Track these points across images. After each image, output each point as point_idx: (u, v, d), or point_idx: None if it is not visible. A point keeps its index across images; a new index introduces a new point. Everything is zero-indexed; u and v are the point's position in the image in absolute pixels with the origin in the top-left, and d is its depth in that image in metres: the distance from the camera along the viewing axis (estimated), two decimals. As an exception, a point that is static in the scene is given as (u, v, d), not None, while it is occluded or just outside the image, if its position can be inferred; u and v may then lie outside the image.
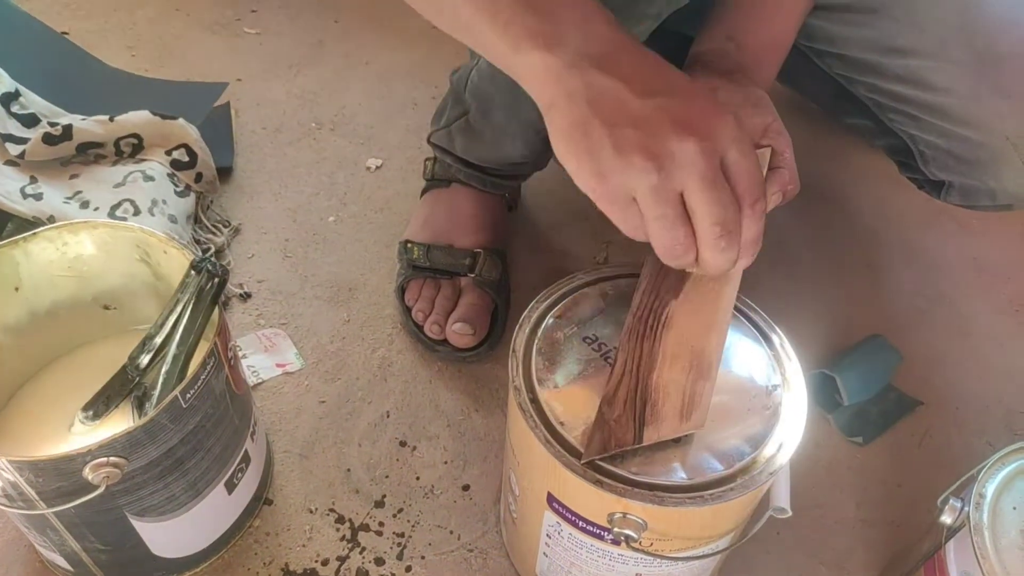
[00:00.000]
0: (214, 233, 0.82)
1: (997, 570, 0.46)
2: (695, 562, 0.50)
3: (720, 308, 0.47)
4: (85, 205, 0.74)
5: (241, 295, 0.79)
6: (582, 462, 0.44)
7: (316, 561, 0.62)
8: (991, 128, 0.59)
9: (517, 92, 0.42)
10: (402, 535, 0.64)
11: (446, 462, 0.68)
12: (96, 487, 0.47)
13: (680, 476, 0.44)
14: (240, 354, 0.74)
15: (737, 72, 0.55)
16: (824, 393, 0.73)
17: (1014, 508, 0.49)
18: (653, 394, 0.46)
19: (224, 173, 0.89)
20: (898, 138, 0.67)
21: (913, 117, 0.64)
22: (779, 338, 0.51)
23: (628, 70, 0.39)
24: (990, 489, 0.50)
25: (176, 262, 0.57)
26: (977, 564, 0.47)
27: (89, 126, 0.78)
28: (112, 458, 0.47)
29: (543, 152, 0.72)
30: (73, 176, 0.77)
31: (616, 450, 0.44)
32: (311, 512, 0.65)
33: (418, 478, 0.67)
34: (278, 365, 0.74)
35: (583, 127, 0.39)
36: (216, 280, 0.52)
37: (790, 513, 0.47)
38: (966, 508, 0.50)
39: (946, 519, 0.51)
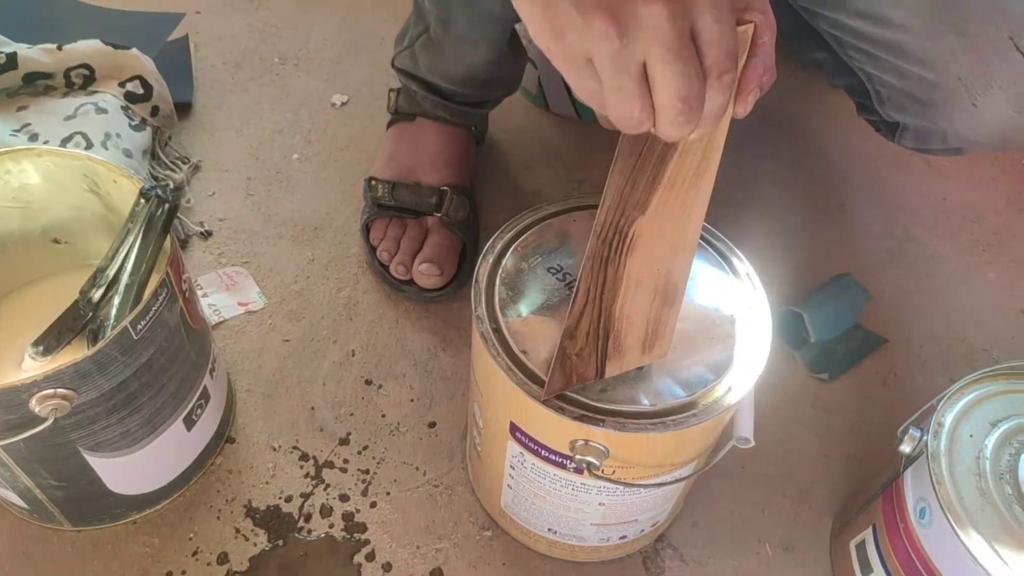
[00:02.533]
0: (172, 169, 0.80)
1: (951, 495, 0.47)
2: (658, 490, 0.50)
3: (689, 225, 0.44)
4: (34, 138, 0.71)
5: (202, 233, 0.77)
6: (543, 400, 0.43)
7: (280, 498, 0.61)
8: (945, 67, 0.59)
9: None
10: (367, 472, 0.63)
11: (412, 400, 0.68)
12: (44, 419, 0.45)
13: (642, 402, 0.44)
14: (201, 293, 0.72)
15: None
16: (791, 331, 0.73)
17: (971, 436, 0.50)
18: (616, 324, 0.45)
19: (183, 109, 0.86)
20: (856, 77, 0.67)
21: (871, 55, 0.63)
22: (744, 267, 0.51)
23: None
24: (948, 418, 0.50)
25: (127, 192, 0.54)
26: (933, 490, 0.47)
27: (35, 55, 0.74)
28: (60, 390, 0.45)
29: (510, 60, 0.70)
30: (21, 108, 0.74)
31: (578, 384, 0.44)
32: (274, 450, 0.64)
33: (383, 416, 0.67)
34: (240, 304, 0.72)
35: None
36: (166, 207, 0.50)
37: (753, 443, 0.47)
38: (925, 437, 0.50)
39: (905, 448, 0.52)
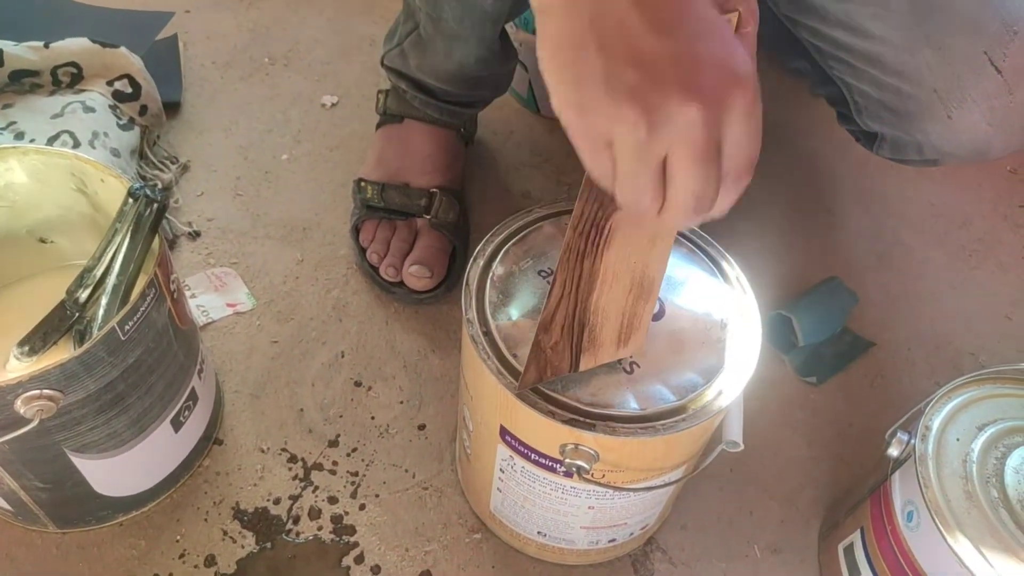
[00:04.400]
0: (161, 169, 0.79)
1: (938, 497, 0.47)
2: (647, 494, 0.50)
3: None
4: (20, 136, 0.70)
5: (190, 233, 0.76)
6: (517, 392, 0.43)
7: (268, 500, 0.61)
8: (920, 80, 0.59)
9: None
10: (356, 474, 0.63)
11: (402, 402, 0.68)
12: (29, 421, 0.45)
13: (632, 406, 0.44)
14: (189, 293, 0.71)
15: None
16: (780, 334, 0.74)
17: (958, 440, 0.50)
18: (592, 318, 0.44)
19: (172, 108, 0.86)
20: (835, 87, 0.68)
21: (850, 65, 0.64)
22: (734, 271, 0.51)
23: None
24: (936, 422, 0.51)
25: (115, 192, 0.54)
26: (920, 493, 0.47)
27: (22, 52, 0.73)
28: (46, 391, 0.45)
29: (500, 58, 0.69)
30: (7, 106, 0.73)
31: (551, 378, 0.44)
32: (263, 452, 0.64)
33: (373, 418, 0.66)
34: (228, 305, 0.71)
35: (576, 47, 0.33)
36: (155, 206, 0.49)
37: (742, 447, 0.47)
38: (912, 440, 0.50)
39: (893, 452, 0.52)
